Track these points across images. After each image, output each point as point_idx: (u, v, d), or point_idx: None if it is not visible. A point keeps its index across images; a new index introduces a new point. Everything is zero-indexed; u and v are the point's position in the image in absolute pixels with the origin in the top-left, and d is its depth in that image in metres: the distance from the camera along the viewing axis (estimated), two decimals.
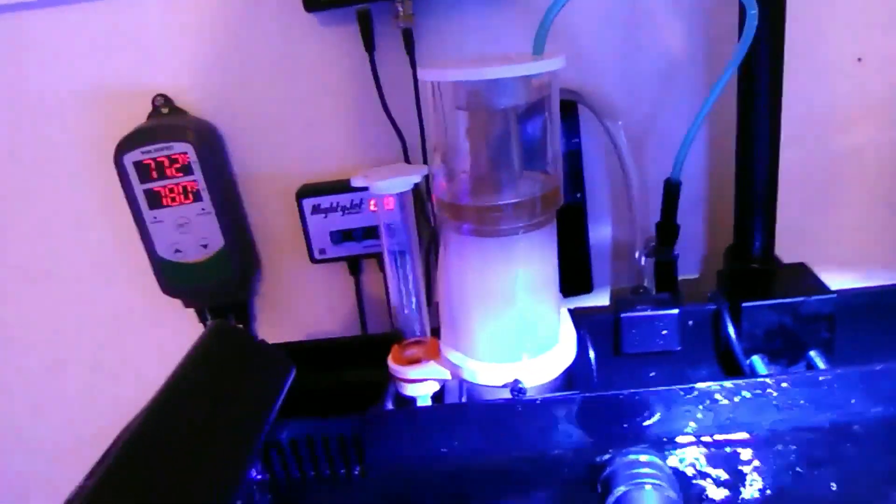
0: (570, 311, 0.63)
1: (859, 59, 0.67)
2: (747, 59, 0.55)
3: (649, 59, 0.67)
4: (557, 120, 0.53)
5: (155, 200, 0.69)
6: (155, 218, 0.70)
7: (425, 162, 0.69)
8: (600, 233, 0.73)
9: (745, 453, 0.53)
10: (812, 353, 0.61)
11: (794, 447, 0.53)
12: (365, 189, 0.55)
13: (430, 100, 0.53)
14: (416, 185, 0.58)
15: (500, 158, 0.51)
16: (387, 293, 0.62)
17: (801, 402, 0.53)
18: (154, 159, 0.67)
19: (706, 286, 0.74)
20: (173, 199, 0.69)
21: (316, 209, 0.70)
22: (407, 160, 0.69)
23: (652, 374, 0.65)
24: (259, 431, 0.46)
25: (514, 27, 0.65)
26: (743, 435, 0.53)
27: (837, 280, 0.71)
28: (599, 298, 0.76)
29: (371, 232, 0.70)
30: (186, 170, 0.68)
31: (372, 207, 0.69)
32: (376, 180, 0.53)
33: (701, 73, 0.67)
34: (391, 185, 0.53)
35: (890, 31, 0.65)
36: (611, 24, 0.66)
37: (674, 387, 0.53)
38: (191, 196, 0.69)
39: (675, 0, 0.65)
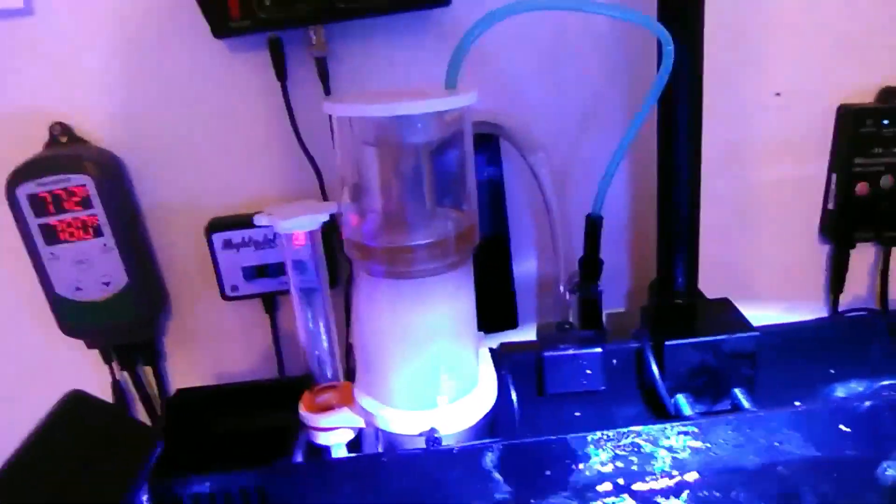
0: (492, 349, 0.61)
1: (778, 94, 0.67)
2: (667, 92, 0.54)
3: (572, 92, 0.65)
4: (471, 155, 0.51)
5: (51, 236, 0.64)
6: (52, 254, 0.65)
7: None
8: (525, 267, 0.71)
9: (679, 498, 0.51)
10: (736, 391, 0.60)
11: (719, 493, 0.51)
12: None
13: (339, 134, 0.50)
14: (329, 220, 0.55)
15: (412, 197, 0.49)
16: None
17: (726, 444, 0.52)
18: (50, 192, 0.63)
19: (632, 319, 0.73)
20: (72, 235, 0.64)
21: (227, 244, 0.66)
22: (323, 194, 0.66)
23: (577, 413, 0.63)
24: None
25: (433, 54, 0.63)
26: (667, 482, 0.51)
27: (761, 311, 0.71)
28: (525, 333, 0.74)
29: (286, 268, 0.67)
30: (86, 203, 0.63)
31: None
32: (281, 219, 0.50)
33: (623, 108, 0.66)
34: (297, 223, 0.50)
35: (807, 65, 0.66)
36: (533, 56, 0.64)
37: (598, 433, 0.51)
38: (91, 231, 0.64)
39: (597, 33, 0.64)
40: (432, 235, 0.48)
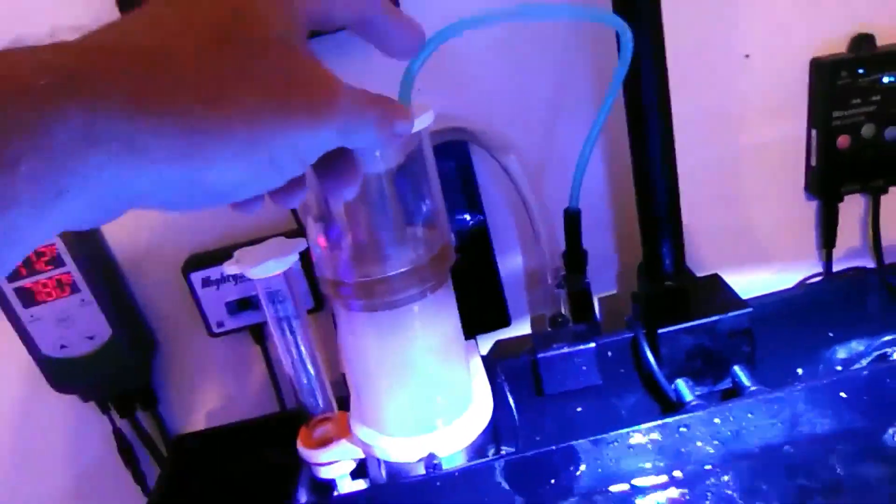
0: (484, 357, 0.61)
1: (747, 56, 0.65)
2: (630, 77, 0.52)
3: (536, 88, 0.64)
4: (434, 171, 0.49)
5: (28, 298, 0.63)
6: (32, 316, 0.64)
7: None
8: (511, 263, 0.70)
9: (684, 490, 0.50)
10: (736, 369, 0.59)
11: (728, 478, 0.51)
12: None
13: None
14: (301, 255, 0.54)
15: (381, 226, 0.48)
16: None
17: (729, 430, 0.51)
18: None
19: (624, 300, 0.72)
20: (48, 294, 0.63)
21: (206, 282, 0.65)
22: (297, 220, 0.65)
23: (578, 409, 0.62)
24: None
25: (382, 67, 0.61)
26: (678, 473, 0.50)
27: (754, 280, 0.70)
28: (520, 328, 0.73)
29: None
30: (57, 261, 0.62)
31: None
32: (250, 265, 0.49)
33: (590, 98, 0.64)
34: (266, 268, 0.49)
35: (773, 22, 0.64)
36: (493, 56, 0.62)
37: (597, 436, 0.51)
38: (67, 288, 0.63)
39: (555, 25, 0.62)
40: (407, 262, 0.47)
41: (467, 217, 0.65)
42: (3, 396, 0.72)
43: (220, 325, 0.67)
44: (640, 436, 0.51)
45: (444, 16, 0.42)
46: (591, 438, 0.50)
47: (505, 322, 0.70)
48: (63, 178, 0.23)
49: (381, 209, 0.47)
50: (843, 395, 0.52)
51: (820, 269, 0.73)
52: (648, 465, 0.51)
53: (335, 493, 0.55)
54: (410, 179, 0.48)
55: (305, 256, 0.54)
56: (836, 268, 0.72)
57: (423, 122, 0.45)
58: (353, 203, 0.47)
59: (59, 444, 0.75)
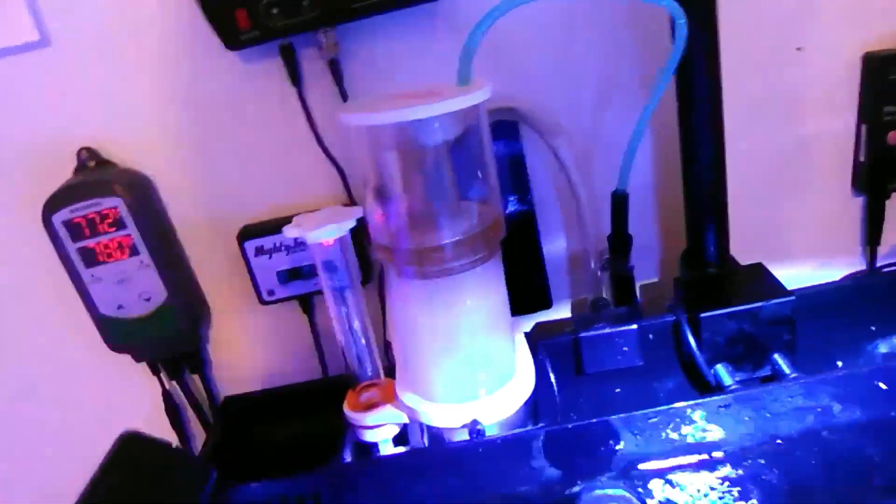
0: (526, 333, 0.62)
1: (799, 49, 0.65)
2: (683, 63, 0.53)
3: (587, 71, 0.65)
4: (490, 146, 0.51)
5: (90, 258, 0.66)
6: (93, 276, 0.67)
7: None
8: (555, 246, 0.71)
9: (722, 471, 0.51)
10: (776, 356, 0.60)
11: (763, 461, 0.51)
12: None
13: (357, 141, 0.51)
14: (358, 222, 0.56)
15: (436, 196, 0.49)
16: None
17: (766, 413, 0.52)
18: (84, 217, 0.64)
19: (666, 289, 0.73)
20: (109, 256, 0.66)
21: (259, 251, 0.68)
22: (349, 193, 0.67)
23: (617, 390, 0.63)
24: None
25: (444, 44, 0.63)
26: (717, 453, 0.51)
27: (796, 273, 0.70)
28: (560, 312, 0.74)
29: None
30: (119, 224, 0.65)
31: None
32: (309, 230, 0.51)
33: (640, 82, 0.65)
34: (324, 233, 0.51)
35: (826, 16, 0.64)
36: (545, 39, 0.64)
37: (638, 412, 0.51)
38: (127, 251, 0.66)
39: (607, 9, 0.63)
40: (459, 232, 0.49)
41: (514, 197, 0.66)
42: (59, 354, 0.76)
43: (270, 293, 0.69)
44: (679, 415, 0.52)
45: None
46: (630, 413, 0.51)
47: (547, 304, 0.71)
48: None
49: (437, 179, 0.49)
50: (881, 385, 0.52)
51: (863, 266, 0.73)
52: (688, 443, 0.52)
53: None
54: (466, 152, 0.50)
55: (355, 231, 0.56)
56: (879, 265, 0.72)
57: (480, 95, 0.46)
58: (411, 172, 0.49)
59: (110, 402, 0.78)
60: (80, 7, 0.62)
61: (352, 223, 0.52)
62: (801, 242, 0.72)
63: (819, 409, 0.52)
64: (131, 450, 0.43)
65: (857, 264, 0.73)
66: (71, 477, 0.79)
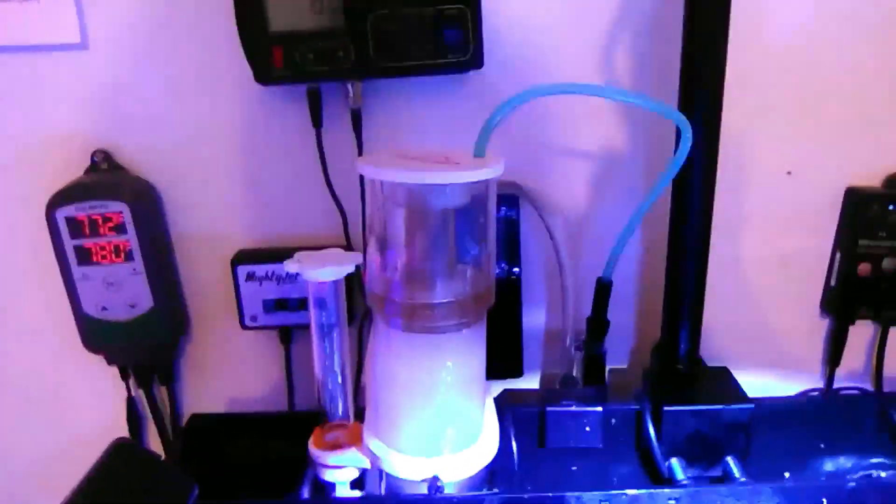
0: (495, 399, 0.64)
1: (789, 173, 0.70)
2: (682, 171, 0.57)
3: (592, 158, 0.68)
4: (493, 218, 0.54)
5: (84, 257, 0.67)
6: (83, 274, 0.68)
7: (366, 241, 0.69)
8: (535, 318, 0.74)
9: None
10: (728, 459, 0.62)
11: None
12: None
13: (370, 191, 0.53)
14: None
15: (436, 256, 0.52)
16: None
17: None
18: (88, 216, 0.66)
19: (634, 376, 0.76)
20: (104, 257, 0.67)
21: (250, 276, 0.69)
22: (347, 237, 0.69)
23: (574, 467, 0.65)
24: None
25: (465, 113, 0.66)
26: None
27: (758, 379, 0.73)
28: (530, 381, 0.76)
29: (306, 303, 0.70)
30: (120, 229, 0.66)
31: None
32: (309, 268, 0.53)
33: (640, 174, 0.69)
34: (324, 273, 0.53)
35: (819, 148, 0.69)
36: (556, 123, 0.67)
37: (593, 492, 0.53)
38: (122, 255, 0.67)
39: (622, 105, 0.67)
40: (452, 294, 0.51)
41: (504, 265, 0.69)
42: (36, 346, 0.76)
43: (253, 318, 0.71)
44: (633, 501, 0.54)
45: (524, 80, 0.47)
46: (584, 493, 0.53)
47: (518, 372, 0.73)
48: None
49: (439, 241, 0.51)
50: (824, 501, 0.55)
51: (821, 384, 0.76)
52: None
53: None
54: (471, 220, 0.52)
55: (349, 274, 0.59)
56: (835, 385, 0.76)
57: (493, 172, 0.49)
58: (415, 230, 0.51)
59: (72, 400, 0.78)
60: (123, 17, 0.64)
61: (350, 268, 0.55)
62: (766, 352, 0.75)
63: None
64: (120, 459, 0.44)
65: (816, 381, 0.77)
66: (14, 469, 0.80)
